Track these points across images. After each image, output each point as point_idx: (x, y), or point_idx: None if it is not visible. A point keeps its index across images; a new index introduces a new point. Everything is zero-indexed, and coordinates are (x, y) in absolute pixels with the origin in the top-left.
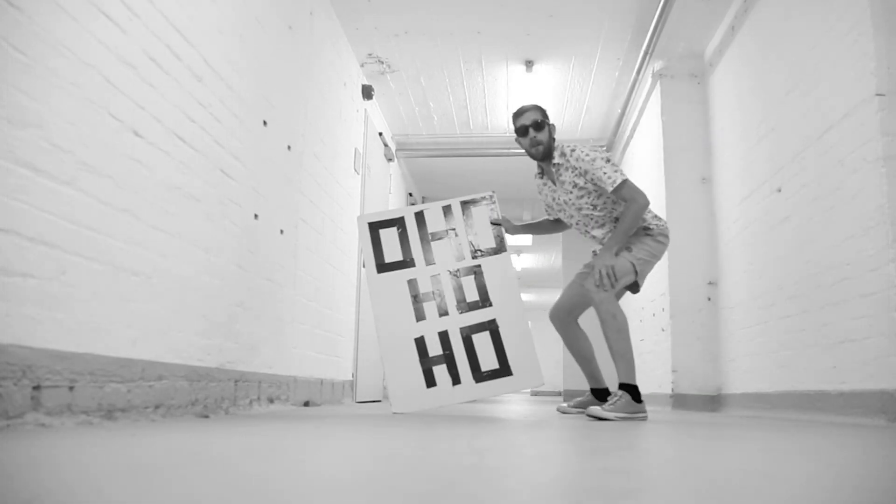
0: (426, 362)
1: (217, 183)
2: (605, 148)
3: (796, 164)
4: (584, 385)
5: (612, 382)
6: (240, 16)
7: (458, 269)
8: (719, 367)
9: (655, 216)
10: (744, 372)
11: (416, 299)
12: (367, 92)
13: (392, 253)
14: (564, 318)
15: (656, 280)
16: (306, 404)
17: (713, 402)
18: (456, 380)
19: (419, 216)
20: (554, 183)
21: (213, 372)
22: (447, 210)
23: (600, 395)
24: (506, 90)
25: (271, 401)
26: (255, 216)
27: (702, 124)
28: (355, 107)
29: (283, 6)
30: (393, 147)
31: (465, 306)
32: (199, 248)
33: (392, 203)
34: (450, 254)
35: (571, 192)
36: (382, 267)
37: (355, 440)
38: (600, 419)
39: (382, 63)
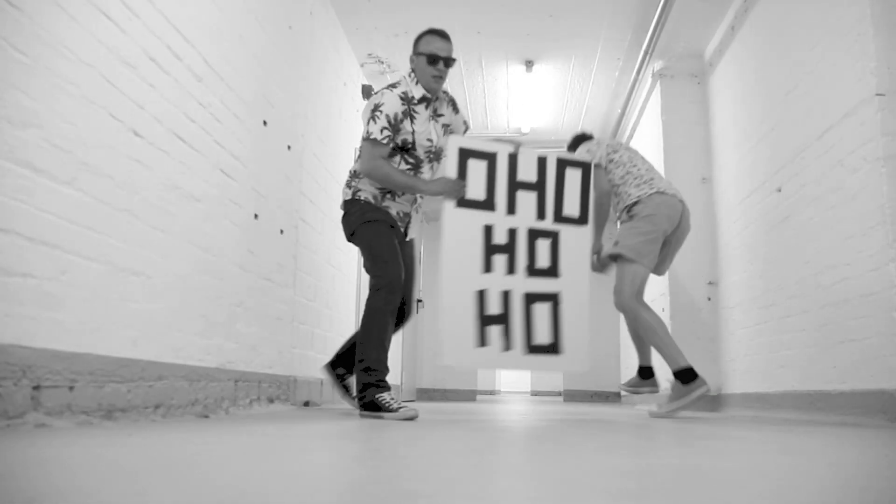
0: (482, 319)
1: (217, 183)
2: None
3: (796, 164)
4: (584, 385)
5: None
6: (240, 16)
7: (536, 229)
8: (719, 367)
9: (634, 195)
10: (744, 372)
11: (488, 249)
12: (367, 92)
13: (476, 189)
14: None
15: (656, 280)
16: (306, 404)
17: (713, 402)
18: (507, 346)
19: (512, 159)
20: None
21: (213, 372)
22: (542, 163)
23: (644, 373)
24: (506, 90)
25: (271, 401)
26: (255, 216)
27: (702, 124)
28: (355, 107)
29: (283, 6)
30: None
31: (535, 271)
32: (199, 248)
33: None
34: (532, 209)
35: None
36: (462, 202)
37: (355, 440)
38: (661, 417)
39: (382, 63)
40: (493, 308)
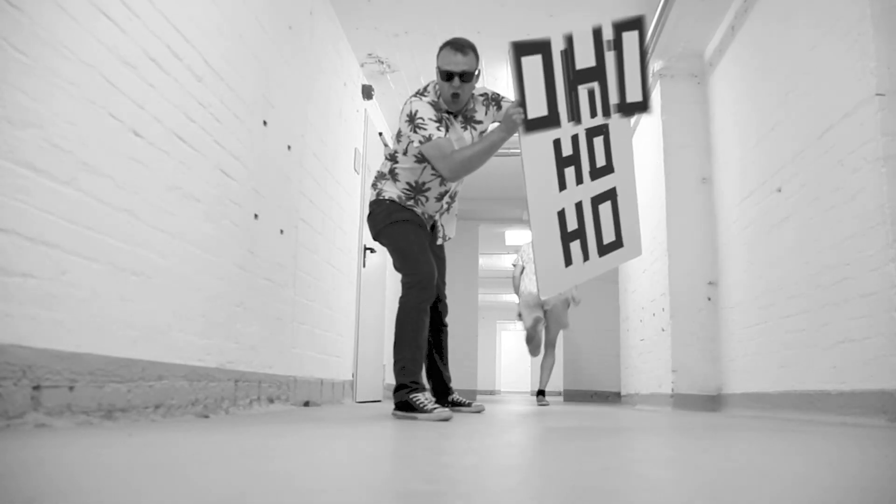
0: (566, 238)
1: (217, 183)
2: None
3: (796, 164)
4: (584, 385)
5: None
6: (240, 16)
7: (592, 128)
8: (719, 367)
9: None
10: (744, 372)
11: (560, 164)
12: (367, 92)
13: (537, 104)
14: None
15: (656, 280)
16: (306, 404)
17: (713, 402)
18: (586, 255)
19: (568, 42)
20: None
21: (213, 372)
22: (597, 38)
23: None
24: (507, 90)
25: (271, 401)
26: (255, 216)
27: (702, 124)
28: (355, 107)
29: (283, 6)
30: (392, 145)
31: (597, 172)
32: (199, 248)
33: None
34: (590, 106)
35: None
36: (530, 124)
37: (355, 440)
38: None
39: (382, 63)
40: (572, 223)
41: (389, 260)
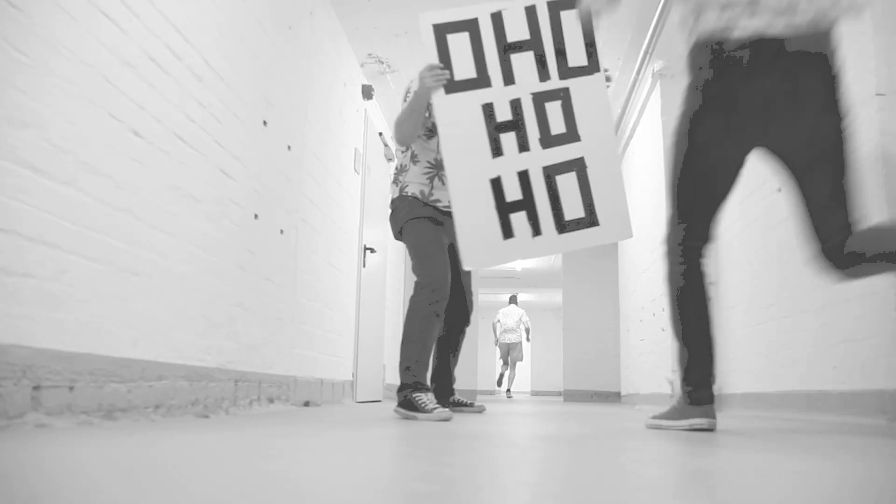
0: (504, 208)
1: (217, 183)
2: None
3: None
4: (584, 385)
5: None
6: (240, 16)
7: (542, 92)
8: (719, 368)
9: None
10: (744, 372)
11: (493, 129)
12: (367, 92)
13: (464, 68)
14: None
15: (656, 280)
16: (306, 404)
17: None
18: (536, 230)
19: (496, 18)
20: None
21: (213, 372)
22: (531, 13)
23: None
24: None
25: (271, 401)
26: (255, 216)
27: None
28: (355, 107)
29: (283, 6)
30: (393, 147)
31: (550, 140)
32: (199, 248)
33: None
34: (532, 71)
35: None
36: (452, 85)
37: (355, 440)
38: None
39: (382, 63)
40: (513, 193)
41: (389, 260)
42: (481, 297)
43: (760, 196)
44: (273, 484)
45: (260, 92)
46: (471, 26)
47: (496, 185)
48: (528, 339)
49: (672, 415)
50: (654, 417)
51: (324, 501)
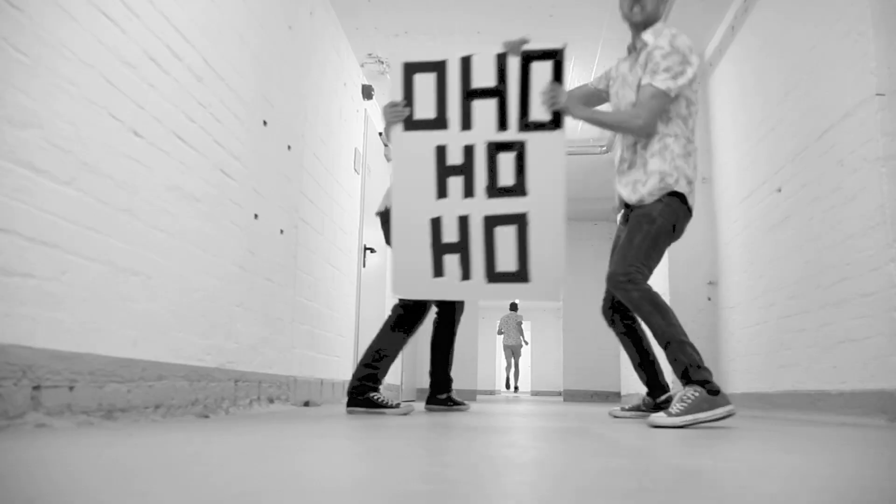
0: (438, 249)
1: (217, 183)
2: (605, 149)
3: (796, 164)
4: (584, 385)
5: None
6: (240, 16)
7: (498, 142)
8: (719, 367)
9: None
10: (744, 372)
11: (442, 171)
12: (367, 92)
13: (424, 107)
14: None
15: (656, 280)
16: (306, 404)
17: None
18: (466, 274)
19: (465, 63)
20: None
21: (213, 372)
22: (501, 62)
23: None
24: None
25: (271, 401)
26: (255, 216)
27: (702, 124)
28: (355, 107)
29: (283, 6)
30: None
31: (497, 191)
32: (199, 248)
33: None
34: (492, 120)
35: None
36: (411, 124)
37: (355, 440)
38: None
39: (382, 63)
40: (450, 236)
41: (389, 260)
42: (483, 301)
43: (760, 196)
44: (273, 484)
45: (260, 92)
46: (438, 68)
47: (435, 224)
48: (525, 343)
49: (700, 407)
50: (676, 415)
51: (324, 501)
